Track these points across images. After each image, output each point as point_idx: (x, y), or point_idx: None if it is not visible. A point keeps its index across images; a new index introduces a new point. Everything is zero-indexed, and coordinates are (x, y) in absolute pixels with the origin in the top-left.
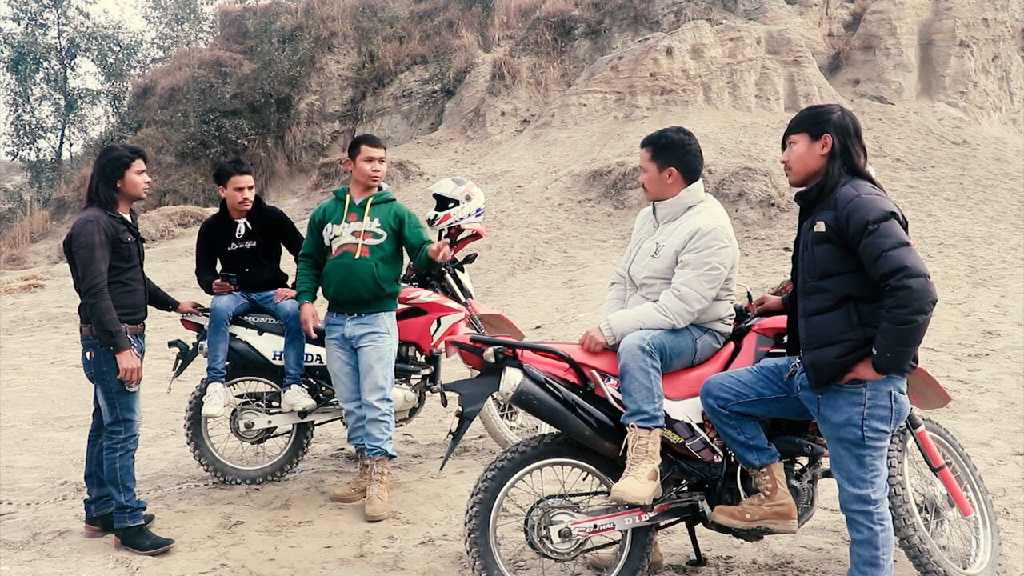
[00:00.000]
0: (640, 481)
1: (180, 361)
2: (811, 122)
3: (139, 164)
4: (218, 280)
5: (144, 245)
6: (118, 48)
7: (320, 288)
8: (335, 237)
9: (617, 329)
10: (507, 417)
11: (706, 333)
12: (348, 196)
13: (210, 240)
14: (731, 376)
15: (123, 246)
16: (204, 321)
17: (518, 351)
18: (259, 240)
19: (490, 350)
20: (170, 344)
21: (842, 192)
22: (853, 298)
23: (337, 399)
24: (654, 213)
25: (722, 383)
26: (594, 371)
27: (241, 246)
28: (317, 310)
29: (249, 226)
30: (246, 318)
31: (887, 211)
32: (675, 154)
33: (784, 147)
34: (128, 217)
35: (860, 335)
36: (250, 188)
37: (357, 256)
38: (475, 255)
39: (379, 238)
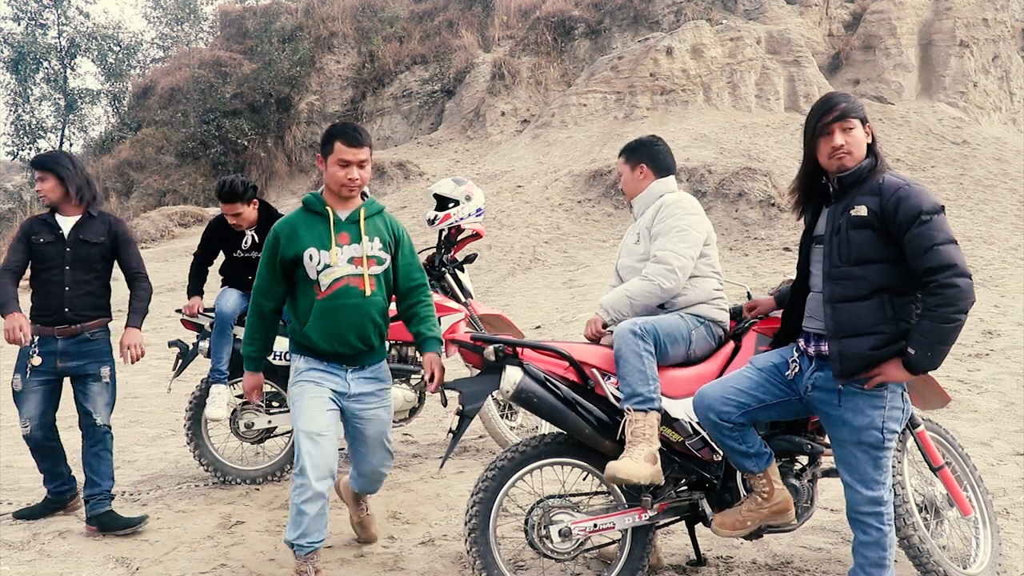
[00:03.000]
0: (636, 462)
1: (180, 361)
2: (859, 108)
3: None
4: (189, 303)
5: (143, 246)
6: (118, 48)
7: (298, 334)
8: (325, 268)
9: (609, 306)
10: (507, 417)
11: (701, 325)
12: (329, 209)
13: (216, 239)
14: (730, 386)
15: (36, 247)
16: (205, 321)
17: (518, 349)
18: None
19: (490, 348)
20: (170, 344)
21: (888, 179)
22: (888, 289)
23: (305, 462)
24: (631, 210)
25: (723, 396)
26: (594, 370)
27: (247, 255)
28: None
29: (256, 238)
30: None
31: (939, 204)
32: (644, 151)
33: (815, 136)
34: (59, 220)
35: (894, 329)
36: (237, 215)
37: (368, 293)
38: (475, 255)
39: (383, 264)
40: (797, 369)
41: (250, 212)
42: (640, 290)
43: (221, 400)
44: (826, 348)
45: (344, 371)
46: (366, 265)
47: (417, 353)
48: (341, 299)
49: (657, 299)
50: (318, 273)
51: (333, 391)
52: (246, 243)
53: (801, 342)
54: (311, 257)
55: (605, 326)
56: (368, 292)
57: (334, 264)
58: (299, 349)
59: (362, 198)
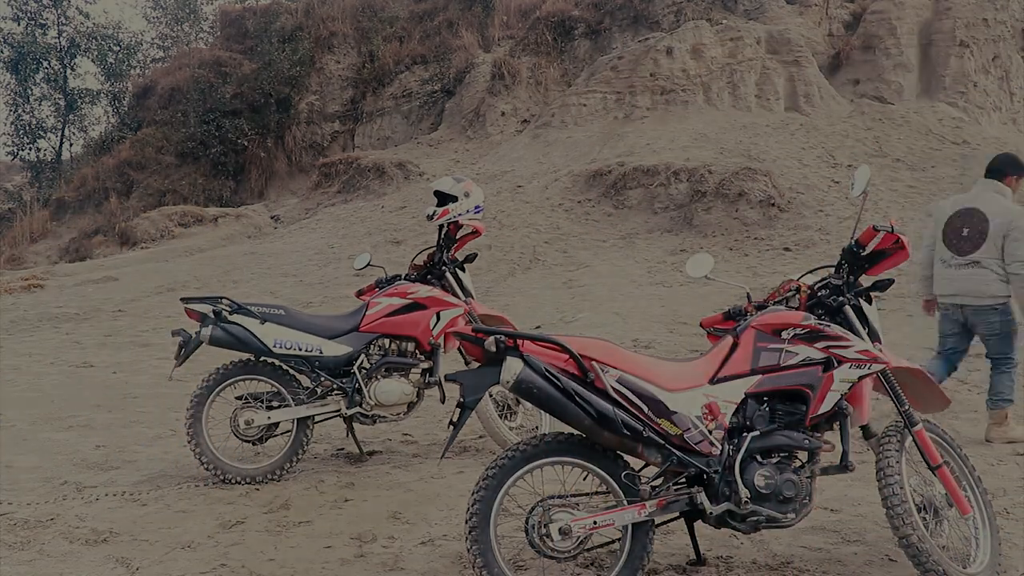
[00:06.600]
0: None
1: (182, 350)
2: None
3: None
4: None
5: (143, 246)
6: (118, 48)
7: None
8: None
9: None
10: (506, 418)
11: None
12: None
13: None
14: None
15: None
16: (207, 310)
17: (519, 341)
18: None
19: (491, 339)
20: (173, 333)
21: None
22: None
23: None
24: None
25: None
26: (594, 362)
27: None
28: None
29: None
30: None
31: None
32: None
33: None
34: None
35: None
36: None
37: None
38: (475, 254)
39: None
40: None
41: None
42: None
43: None
44: None
45: None
46: None
47: (417, 350)
48: None
49: None
50: None
51: None
52: None
53: None
54: None
55: None
56: None
57: None
58: None
59: None
